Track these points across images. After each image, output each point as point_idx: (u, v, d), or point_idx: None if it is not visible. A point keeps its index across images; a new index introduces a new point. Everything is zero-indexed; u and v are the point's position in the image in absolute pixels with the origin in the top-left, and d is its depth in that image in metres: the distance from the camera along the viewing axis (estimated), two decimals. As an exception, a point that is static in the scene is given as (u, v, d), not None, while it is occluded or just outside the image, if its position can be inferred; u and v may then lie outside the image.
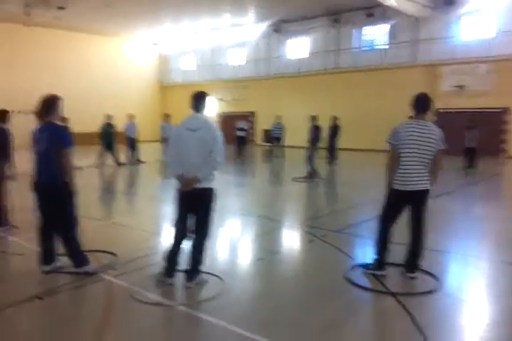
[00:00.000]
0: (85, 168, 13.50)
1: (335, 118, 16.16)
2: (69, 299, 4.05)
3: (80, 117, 23.49)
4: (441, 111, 19.81)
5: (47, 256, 4.47)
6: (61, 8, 19.81)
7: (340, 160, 16.13)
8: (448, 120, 19.39)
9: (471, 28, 19.15)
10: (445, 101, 19.68)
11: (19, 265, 4.81)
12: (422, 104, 4.38)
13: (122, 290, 4.06)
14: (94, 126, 15.59)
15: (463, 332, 3.49)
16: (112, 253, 5.02)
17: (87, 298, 4.09)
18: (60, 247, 4.52)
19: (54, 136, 4.31)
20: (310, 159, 11.91)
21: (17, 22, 21.21)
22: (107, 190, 11.11)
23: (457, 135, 12.28)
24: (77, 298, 4.09)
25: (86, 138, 16.75)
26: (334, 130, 16.04)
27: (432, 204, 7.98)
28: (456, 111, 19.26)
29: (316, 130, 12.06)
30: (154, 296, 3.95)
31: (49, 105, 4.41)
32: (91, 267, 4.46)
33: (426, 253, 4.66)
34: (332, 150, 16.07)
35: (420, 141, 4.24)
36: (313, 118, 12.11)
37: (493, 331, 3.47)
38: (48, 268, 4.44)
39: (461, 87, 18.90)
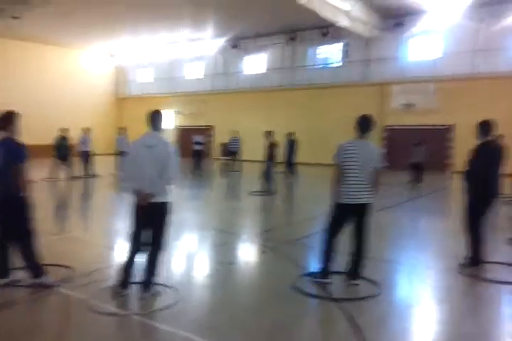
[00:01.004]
0: (39, 181, 13.29)
1: (291, 134, 16.69)
2: (26, 311, 4.12)
3: (35, 129, 22.95)
4: (390, 127, 20.86)
5: (2, 269, 4.52)
6: (15, 17, 19.49)
7: (297, 174, 16.60)
8: (397, 136, 20.46)
9: (420, 49, 20.32)
10: (394, 119, 20.75)
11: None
12: (364, 125, 4.78)
13: (79, 302, 4.18)
14: (50, 138, 15.36)
15: (400, 333, 3.78)
16: (68, 266, 5.11)
17: (44, 310, 4.18)
18: (16, 261, 4.58)
19: (9, 151, 4.42)
20: (267, 174, 12.25)
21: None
22: (62, 204, 11.00)
23: (405, 150, 12.98)
24: (34, 310, 4.17)
25: (42, 151, 16.43)
26: (291, 145, 16.55)
27: (378, 217, 8.45)
28: (405, 128, 20.30)
29: (271, 146, 12.44)
30: (110, 307, 4.10)
31: (5, 121, 4.51)
32: (48, 279, 4.54)
33: (369, 262, 5.05)
34: (290, 165, 16.55)
35: (362, 158, 4.63)
36: (269, 133, 12.49)
37: (431, 334, 3.84)
38: (3, 281, 4.49)
39: (409, 105, 19.95)
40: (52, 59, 27.10)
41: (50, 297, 4.33)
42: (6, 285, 4.48)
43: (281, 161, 17.82)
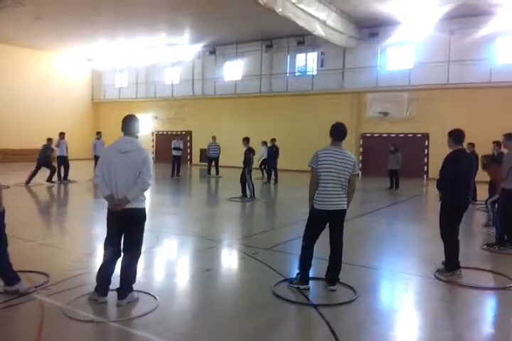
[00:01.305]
0: (13, 186, 13.03)
1: (273, 140, 16.93)
2: (0, 318, 4.03)
3: (10, 133, 22.42)
4: (366, 135, 21.18)
5: (-25, 277, 4.42)
6: (-14, 18, 19.09)
7: (276, 180, 16.74)
8: (373, 144, 20.80)
9: (394, 59, 20.75)
10: (370, 127, 21.08)
11: None
12: (338, 132, 4.88)
13: (55, 309, 4.11)
14: (24, 142, 15.08)
15: (378, 339, 3.81)
16: (43, 273, 5.02)
17: (19, 317, 4.10)
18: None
19: None
20: (244, 179, 12.31)
21: None
22: (38, 210, 10.80)
23: (382, 158, 13.18)
24: (9, 317, 4.08)
25: (15, 155, 16.12)
26: (272, 151, 16.78)
27: (357, 223, 8.58)
28: (381, 136, 20.66)
29: (249, 152, 12.52)
30: (87, 314, 4.04)
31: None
32: (22, 285, 4.45)
33: (347, 267, 5.12)
34: (270, 171, 16.74)
35: (337, 165, 4.71)
36: (246, 140, 12.58)
37: (408, 339, 3.90)
38: (-25, 289, 4.39)
39: (384, 113, 20.33)
40: (27, 62, 26.43)
41: (24, 304, 4.24)
42: (-21, 292, 4.38)
43: (261, 167, 18.05)
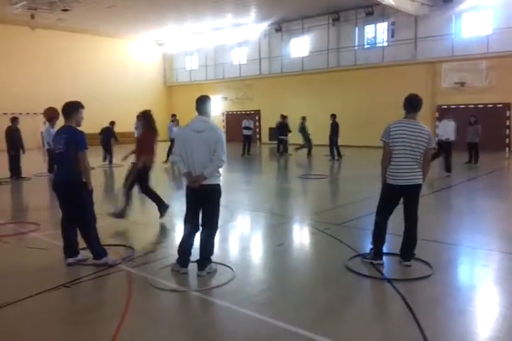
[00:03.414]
0: (96, 167, 13.93)
1: (333, 116, 16.70)
2: (92, 287, 4.44)
3: (88, 118, 23.82)
4: (443, 107, 20.11)
5: (70, 249, 4.87)
6: (65, 10, 20.15)
7: (344, 156, 16.52)
8: (449, 116, 19.70)
9: (470, 25, 19.38)
10: (446, 98, 19.99)
11: (45, 258, 5.18)
12: (411, 104, 4.70)
13: (141, 279, 4.45)
14: (99, 127, 16.06)
15: (454, 314, 3.72)
16: (129, 246, 5.43)
17: (109, 287, 4.48)
18: (82, 241, 4.91)
19: (70, 139, 4.69)
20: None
21: (21, 24, 21.60)
22: (119, 188, 11.50)
23: (459, 130, 12.53)
24: (100, 287, 4.48)
25: (94, 139, 17.18)
26: (334, 127, 16.59)
27: (431, 198, 8.31)
28: (458, 107, 19.55)
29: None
30: (170, 284, 4.34)
31: (69, 110, 4.79)
32: (110, 258, 4.85)
33: (423, 243, 5.01)
34: (332, 148, 16.52)
35: (410, 138, 4.56)
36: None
37: (487, 316, 3.77)
38: (71, 260, 4.84)
39: (461, 83, 19.16)
40: (101, 49, 27.82)
41: (114, 274, 4.61)
42: (74, 263, 4.83)
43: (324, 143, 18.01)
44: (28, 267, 4.88)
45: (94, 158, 14.78)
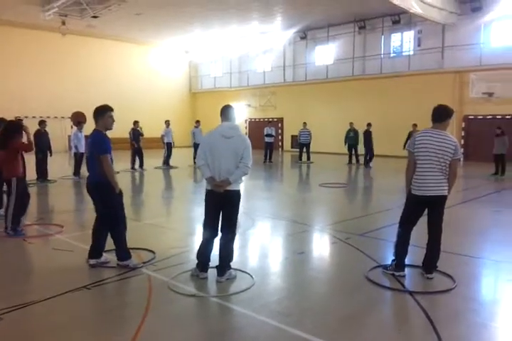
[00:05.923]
0: (120, 171, 14.16)
1: (368, 125, 16.84)
2: (114, 289, 4.51)
3: (117, 123, 24.21)
4: (470, 117, 19.78)
5: (95, 251, 4.97)
6: (95, 16, 20.63)
7: (371, 165, 16.51)
8: (476, 127, 19.40)
9: (499, 34, 19.06)
10: (473, 108, 19.66)
11: (69, 260, 5.29)
12: (439, 114, 4.65)
13: (161, 283, 4.48)
14: (125, 132, 16.31)
15: (476, 329, 3.66)
16: (151, 250, 5.49)
17: (130, 289, 4.54)
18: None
19: (95, 143, 4.86)
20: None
21: (52, 30, 22.25)
22: (143, 192, 11.71)
23: (486, 142, 12.30)
24: (121, 289, 4.55)
25: (119, 144, 17.47)
26: (366, 135, 16.73)
27: (457, 210, 8.16)
28: (485, 118, 19.20)
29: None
30: (189, 288, 4.37)
31: (97, 114, 4.92)
32: (132, 261, 4.92)
33: (446, 256, 4.92)
34: (366, 155, 16.77)
35: (435, 148, 4.50)
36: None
37: (509, 330, 3.67)
38: (93, 261, 4.93)
39: (490, 93, 18.81)
40: (133, 56, 28.37)
41: (135, 277, 4.67)
42: (96, 265, 4.92)
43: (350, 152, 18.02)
44: (53, 268, 4.99)
45: (123, 162, 15.23)
